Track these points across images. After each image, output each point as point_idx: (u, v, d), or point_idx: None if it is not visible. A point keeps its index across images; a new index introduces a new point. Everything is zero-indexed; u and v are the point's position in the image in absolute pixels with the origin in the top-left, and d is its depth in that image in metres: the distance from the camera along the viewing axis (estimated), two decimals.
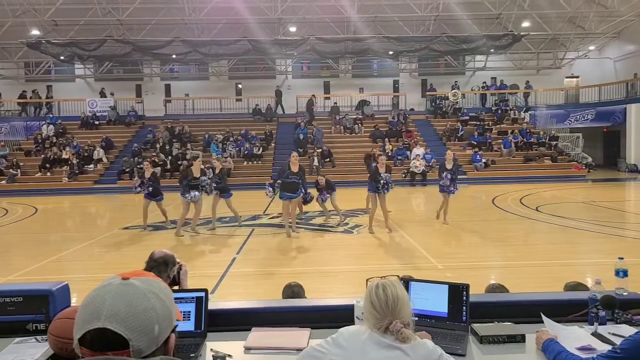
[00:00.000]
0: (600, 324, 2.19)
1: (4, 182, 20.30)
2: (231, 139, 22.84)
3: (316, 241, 9.09)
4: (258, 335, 2.23)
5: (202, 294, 2.34)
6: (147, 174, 10.80)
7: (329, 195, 11.01)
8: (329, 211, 11.28)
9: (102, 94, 26.31)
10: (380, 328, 1.74)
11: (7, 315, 2.29)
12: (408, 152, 21.63)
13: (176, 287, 2.85)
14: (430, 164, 20.59)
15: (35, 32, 23.02)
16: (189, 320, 2.29)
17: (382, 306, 1.76)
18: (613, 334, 2.12)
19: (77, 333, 0.89)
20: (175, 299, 2.34)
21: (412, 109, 26.90)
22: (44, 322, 2.25)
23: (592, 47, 26.83)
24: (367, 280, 2.06)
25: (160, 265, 2.83)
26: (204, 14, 22.19)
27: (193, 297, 2.33)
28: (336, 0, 21.49)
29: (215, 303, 2.50)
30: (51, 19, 22.30)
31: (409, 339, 1.73)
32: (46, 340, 2.00)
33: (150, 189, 10.59)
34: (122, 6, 21.83)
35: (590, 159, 23.17)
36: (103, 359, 0.87)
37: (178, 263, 2.88)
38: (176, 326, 0.99)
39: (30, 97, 26.38)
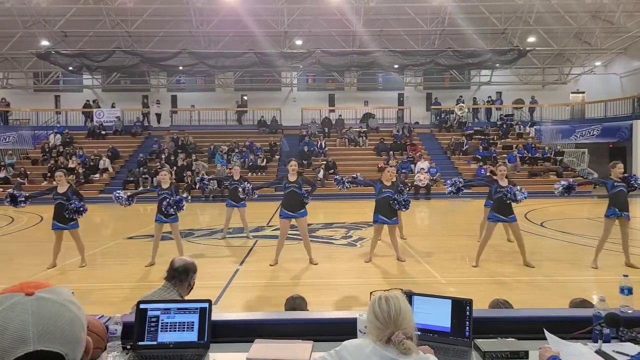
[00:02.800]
0: (604, 342, 2.17)
1: (10, 190, 20.41)
2: (236, 150, 22.95)
3: (319, 254, 9.06)
4: (261, 347, 2.23)
5: (206, 304, 2.35)
6: (62, 189, 7.83)
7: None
8: None
9: (145, 105, 26.59)
10: (382, 339, 1.75)
11: None
12: (412, 166, 21.64)
13: None
14: (435, 177, 20.60)
15: (45, 42, 23.35)
16: (192, 330, 2.30)
17: (385, 317, 1.77)
18: (617, 352, 2.10)
19: None
20: (179, 309, 2.37)
21: (416, 123, 26.97)
22: None
23: (598, 63, 26.89)
24: (370, 293, 2.07)
25: (182, 274, 2.85)
26: (212, 27, 22.46)
27: (197, 308, 2.34)
28: (342, 14, 21.71)
29: (219, 314, 2.50)
30: (61, 30, 22.63)
31: (410, 350, 1.72)
32: None
33: (69, 212, 7.61)
34: (131, 18, 22.14)
35: (596, 175, 23.06)
36: None
37: None
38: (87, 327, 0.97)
39: (90, 107, 26.86)
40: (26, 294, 0.86)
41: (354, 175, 8.49)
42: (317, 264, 8.08)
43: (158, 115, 26.62)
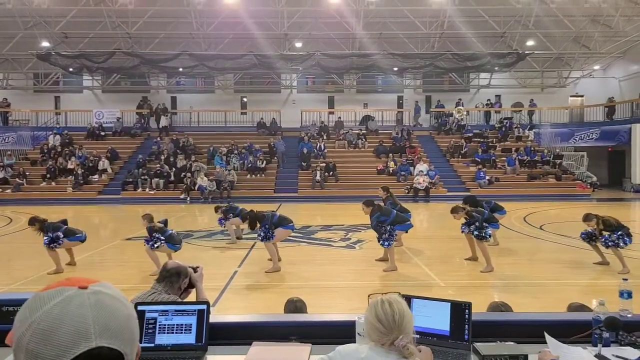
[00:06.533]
0: (604, 346, 2.16)
1: (9, 191, 20.42)
2: (235, 151, 22.95)
3: (318, 256, 9.06)
4: (259, 350, 2.22)
5: (204, 306, 2.34)
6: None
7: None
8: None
9: (163, 111, 26.21)
10: (385, 344, 1.74)
11: (9, 324, 2.28)
12: (411, 168, 21.65)
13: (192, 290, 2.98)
14: (434, 180, 20.60)
15: (45, 43, 23.35)
16: (190, 333, 2.28)
17: (389, 321, 1.75)
18: (617, 357, 2.09)
19: None
20: (177, 311, 2.36)
21: (415, 125, 26.99)
22: None
23: (596, 67, 26.94)
24: (368, 296, 2.05)
25: (173, 276, 2.88)
26: (212, 29, 22.47)
27: (195, 310, 2.33)
28: (342, 17, 21.74)
29: (217, 316, 2.49)
30: (61, 32, 22.63)
31: (413, 355, 1.73)
32: None
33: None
34: (132, 20, 22.14)
35: (594, 178, 23.11)
36: None
37: (195, 266, 2.98)
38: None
39: (144, 107, 26.73)
40: (80, 287, 0.78)
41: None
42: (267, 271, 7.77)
43: (165, 128, 25.56)
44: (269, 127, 25.83)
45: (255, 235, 10.75)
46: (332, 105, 27.98)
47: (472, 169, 22.01)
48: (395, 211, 8.14)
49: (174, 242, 7.68)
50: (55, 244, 7.66)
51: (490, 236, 7.95)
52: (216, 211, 10.46)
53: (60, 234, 7.72)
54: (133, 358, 0.80)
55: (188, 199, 19.67)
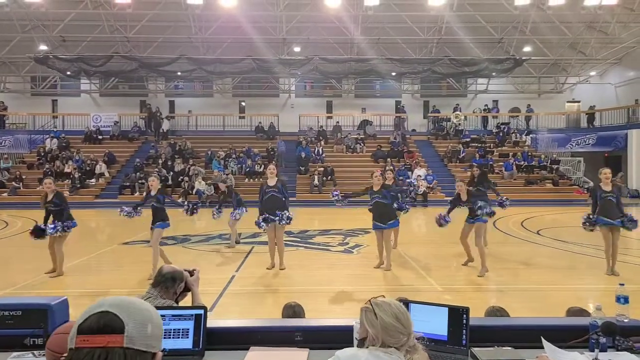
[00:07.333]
0: (601, 351, 2.17)
1: (5, 194, 20.34)
2: (233, 155, 22.93)
3: (316, 260, 9.05)
4: (256, 355, 2.22)
5: (201, 311, 2.33)
6: (51, 196, 7.65)
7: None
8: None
9: (164, 117, 25.88)
10: (404, 345, 1.71)
11: (5, 329, 2.28)
12: (409, 173, 21.67)
13: (188, 293, 2.95)
14: (432, 185, 20.63)
15: (43, 47, 23.35)
16: (187, 338, 2.28)
17: (407, 320, 1.76)
18: None
19: (77, 324, 1.01)
20: (174, 316, 2.35)
21: (413, 130, 27.06)
22: (42, 336, 2.24)
23: (593, 73, 27.09)
24: (369, 300, 2.03)
25: (168, 281, 2.87)
26: (210, 33, 22.52)
27: (192, 315, 2.32)
28: (340, 22, 21.82)
29: (214, 321, 2.49)
30: (59, 35, 22.65)
31: (421, 351, 1.76)
32: (43, 355, 1.99)
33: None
34: (130, 24, 22.18)
35: (591, 184, 23.12)
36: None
37: (191, 270, 2.97)
38: (164, 349, 1.09)
39: (143, 111, 26.67)
40: None
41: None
42: (284, 268, 8.00)
43: (164, 133, 25.23)
44: (267, 131, 25.84)
45: (255, 240, 10.75)
46: (331, 109, 28.03)
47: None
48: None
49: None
50: (66, 229, 7.61)
51: (493, 213, 8.13)
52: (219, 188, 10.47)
53: (71, 222, 7.72)
54: (134, 335, 1.00)
55: (186, 202, 19.61)
